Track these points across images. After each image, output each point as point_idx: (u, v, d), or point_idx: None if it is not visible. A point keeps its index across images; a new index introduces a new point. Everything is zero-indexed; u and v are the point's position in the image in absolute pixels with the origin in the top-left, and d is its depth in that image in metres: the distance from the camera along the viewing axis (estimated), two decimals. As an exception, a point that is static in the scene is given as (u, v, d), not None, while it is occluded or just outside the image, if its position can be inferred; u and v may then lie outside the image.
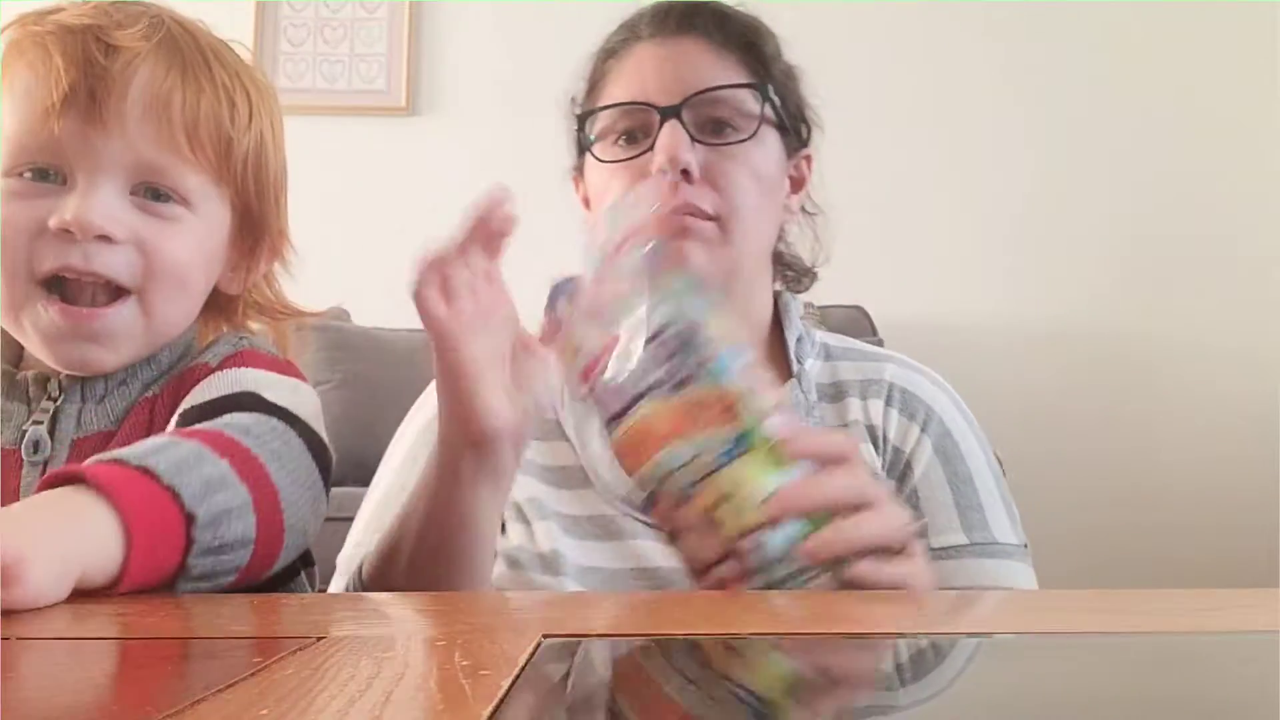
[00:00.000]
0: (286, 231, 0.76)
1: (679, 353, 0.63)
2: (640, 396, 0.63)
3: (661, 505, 0.63)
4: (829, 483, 0.62)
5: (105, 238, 0.64)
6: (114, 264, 0.65)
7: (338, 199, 2.14)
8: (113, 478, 0.51)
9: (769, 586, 0.60)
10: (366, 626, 0.47)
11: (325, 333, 2.07)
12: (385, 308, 2.13)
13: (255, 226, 0.74)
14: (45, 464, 0.66)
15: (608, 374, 0.64)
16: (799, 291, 0.99)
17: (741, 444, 0.62)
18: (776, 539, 0.60)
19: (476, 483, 0.66)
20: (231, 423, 0.60)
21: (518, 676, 0.35)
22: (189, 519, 0.52)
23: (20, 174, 0.66)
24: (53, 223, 0.64)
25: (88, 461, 0.54)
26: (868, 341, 1.01)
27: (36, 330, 0.66)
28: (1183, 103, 2.23)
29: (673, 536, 0.64)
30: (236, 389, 0.65)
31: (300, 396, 0.67)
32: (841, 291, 2.07)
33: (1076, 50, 2.27)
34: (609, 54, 0.90)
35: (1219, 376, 2.19)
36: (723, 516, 0.61)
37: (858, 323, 2.03)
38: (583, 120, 0.88)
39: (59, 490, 0.51)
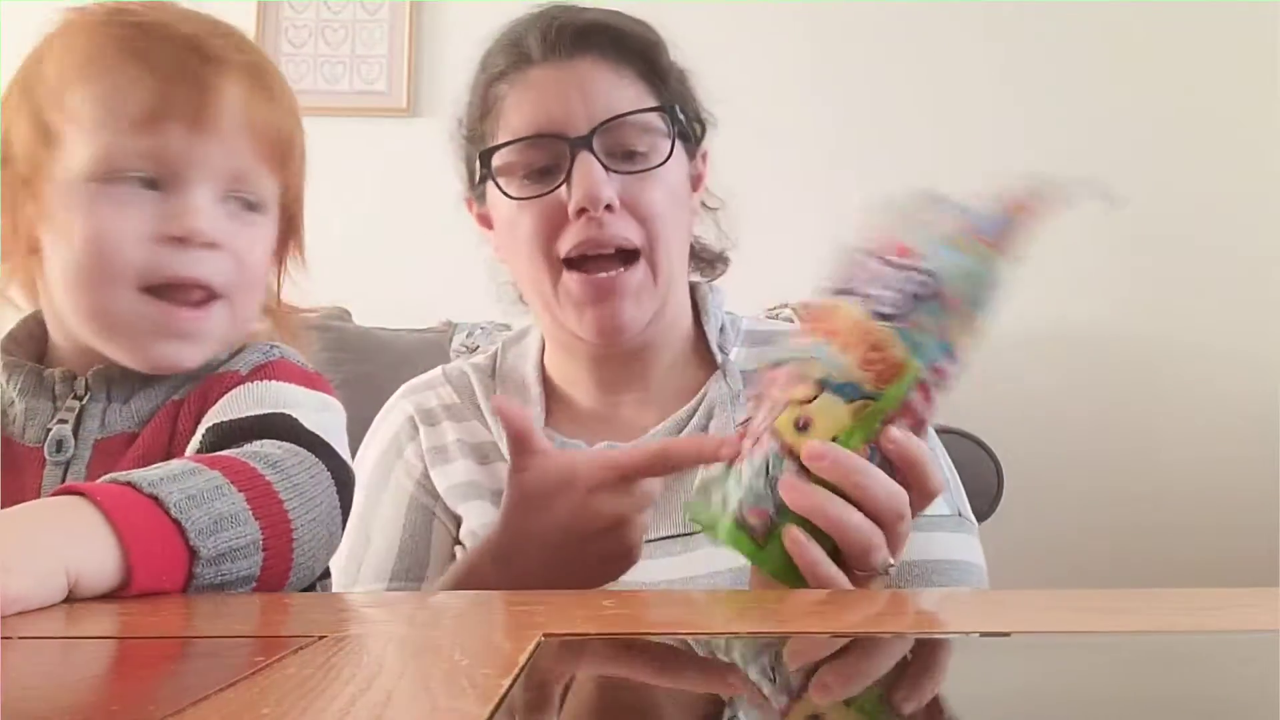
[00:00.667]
0: (303, 230, 0.78)
1: (917, 298, 0.59)
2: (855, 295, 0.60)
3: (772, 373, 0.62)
4: (870, 480, 0.58)
5: (210, 244, 0.66)
6: (215, 270, 0.67)
7: (338, 200, 2.14)
8: (117, 499, 0.51)
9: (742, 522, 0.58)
10: (368, 626, 0.47)
11: (326, 333, 2.07)
12: (386, 308, 2.13)
13: (289, 227, 0.75)
14: (68, 464, 0.66)
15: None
16: (714, 278, 0.98)
17: (861, 394, 0.58)
18: (773, 455, 0.58)
19: None
20: (260, 452, 0.59)
21: (518, 676, 0.35)
22: (192, 553, 0.52)
23: (115, 179, 0.65)
24: (168, 230, 0.65)
25: (102, 478, 0.53)
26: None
27: (130, 330, 0.66)
28: (1183, 103, 2.23)
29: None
30: (269, 408, 0.65)
31: (328, 415, 0.68)
32: (841, 292, 2.07)
33: (1077, 51, 2.27)
34: (498, 78, 0.86)
35: (1219, 376, 2.19)
36: (784, 418, 0.58)
37: (858, 323, 2.03)
38: (485, 156, 0.85)
39: (60, 499, 0.51)
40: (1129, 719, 0.34)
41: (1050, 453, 2.16)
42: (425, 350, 2.00)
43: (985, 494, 1.71)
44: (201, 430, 0.64)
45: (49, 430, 0.67)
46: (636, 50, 0.86)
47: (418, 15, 2.42)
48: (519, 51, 0.86)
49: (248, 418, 0.64)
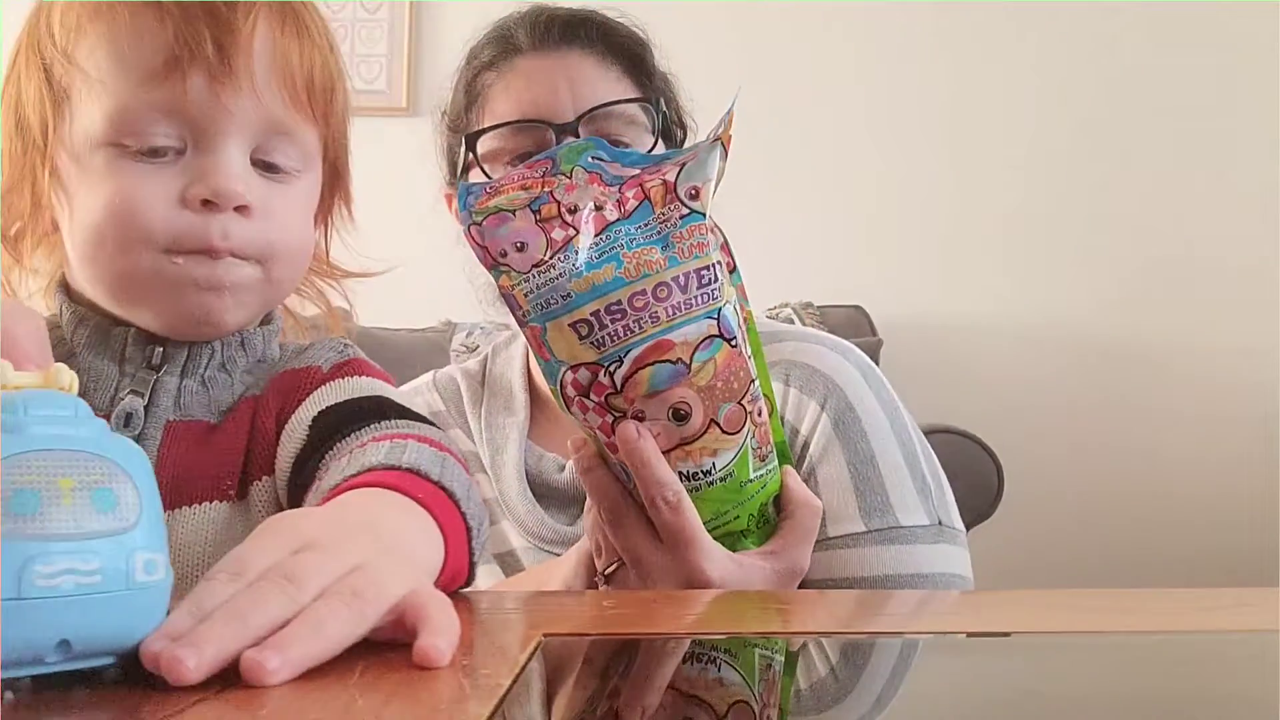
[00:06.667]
0: (351, 184, 0.70)
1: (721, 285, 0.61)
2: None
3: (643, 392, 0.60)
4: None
5: (243, 208, 0.58)
6: (247, 239, 0.58)
7: (338, 199, 2.14)
8: (431, 497, 0.48)
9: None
10: (367, 626, 0.47)
11: (327, 333, 2.07)
12: (386, 308, 2.13)
13: (334, 182, 0.68)
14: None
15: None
16: None
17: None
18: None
19: None
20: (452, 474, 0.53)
21: (518, 676, 0.35)
22: (470, 533, 0.50)
23: (135, 142, 0.57)
24: (194, 192, 0.56)
25: (368, 465, 0.49)
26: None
27: (157, 288, 0.58)
28: (1184, 100, 2.23)
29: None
30: (371, 393, 0.61)
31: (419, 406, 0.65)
32: (841, 291, 2.07)
33: (1076, 51, 2.27)
34: (485, 67, 0.86)
35: (1220, 375, 2.19)
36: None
37: (857, 323, 2.03)
38: (471, 140, 0.84)
39: (407, 503, 0.47)
40: (1129, 718, 0.34)
41: (1050, 453, 2.16)
42: (425, 350, 2.00)
43: (985, 494, 1.71)
44: (309, 421, 0.59)
45: (118, 399, 0.59)
46: (623, 46, 0.86)
47: (417, 15, 2.42)
48: (507, 42, 0.86)
49: (354, 399, 0.59)
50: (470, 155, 0.84)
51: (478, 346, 1.97)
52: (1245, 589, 0.52)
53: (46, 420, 0.34)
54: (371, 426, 0.57)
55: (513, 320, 0.62)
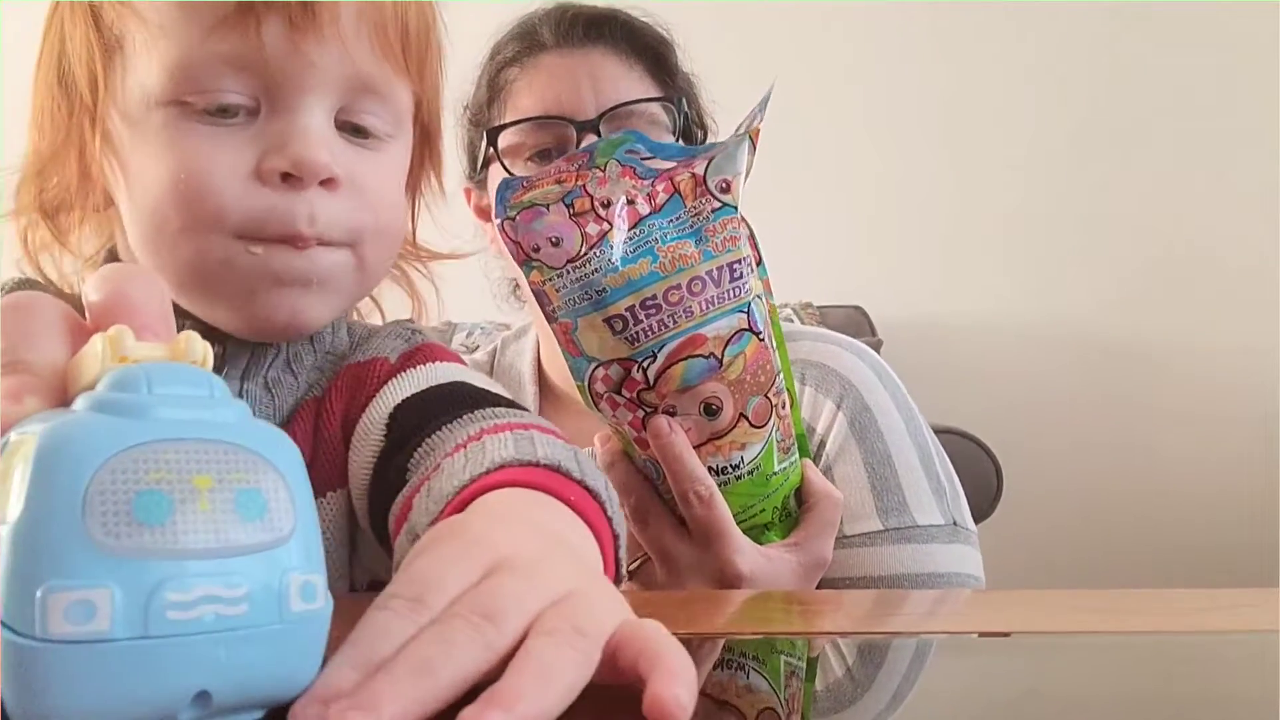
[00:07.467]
0: (443, 152, 0.63)
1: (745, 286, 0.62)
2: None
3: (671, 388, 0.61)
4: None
5: (329, 181, 0.50)
6: (337, 218, 0.50)
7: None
8: (581, 500, 0.40)
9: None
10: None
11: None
12: (386, 308, 2.13)
13: (425, 149, 0.60)
14: None
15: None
16: None
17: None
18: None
19: None
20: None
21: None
22: (615, 538, 0.43)
23: (191, 100, 0.49)
24: (272, 164, 0.48)
25: (499, 460, 0.41)
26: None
27: (233, 282, 0.50)
28: (1183, 102, 2.23)
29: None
30: (454, 379, 0.53)
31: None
32: (840, 291, 2.07)
33: (1076, 51, 2.26)
34: (509, 62, 0.87)
35: (1219, 375, 2.19)
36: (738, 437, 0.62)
37: (857, 323, 2.03)
38: (492, 134, 0.84)
39: (563, 509, 0.39)
40: (1129, 719, 0.34)
41: (1050, 452, 2.16)
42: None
43: (985, 493, 1.71)
44: (384, 420, 0.52)
45: None
46: (647, 45, 0.87)
47: (417, 15, 2.42)
48: (532, 39, 0.87)
49: (437, 387, 0.52)
50: (491, 149, 0.85)
51: (478, 346, 1.97)
52: (1245, 589, 0.52)
53: (177, 401, 0.26)
54: (469, 416, 0.49)
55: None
